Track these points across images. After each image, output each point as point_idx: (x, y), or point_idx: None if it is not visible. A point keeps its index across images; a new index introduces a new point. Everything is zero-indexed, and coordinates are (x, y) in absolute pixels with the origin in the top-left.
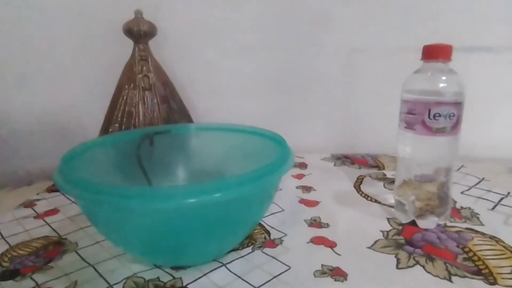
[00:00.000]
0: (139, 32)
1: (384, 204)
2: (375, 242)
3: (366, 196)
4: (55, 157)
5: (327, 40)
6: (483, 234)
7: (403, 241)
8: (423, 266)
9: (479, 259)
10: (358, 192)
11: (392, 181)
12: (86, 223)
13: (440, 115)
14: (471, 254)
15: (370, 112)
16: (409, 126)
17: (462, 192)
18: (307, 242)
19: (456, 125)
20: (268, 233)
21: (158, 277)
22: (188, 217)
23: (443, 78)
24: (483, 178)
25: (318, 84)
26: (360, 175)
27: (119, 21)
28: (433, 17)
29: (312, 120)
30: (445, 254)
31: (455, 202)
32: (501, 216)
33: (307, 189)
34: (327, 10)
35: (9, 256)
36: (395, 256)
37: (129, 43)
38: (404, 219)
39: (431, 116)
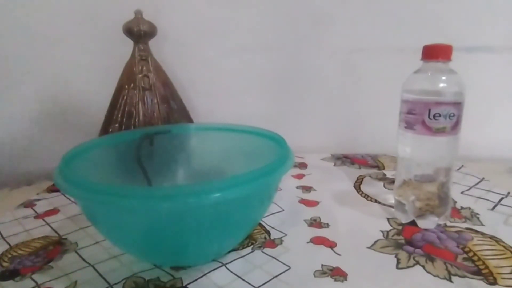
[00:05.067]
0: (139, 32)
1: (384, 204)
2: (375, 242)
3: (366, 196)
4: (55, 157)
5: (327, 40)
6: (483, 234)
7: (403, 241)
8: (423, 266)
9: (479, 259)
10: (358, 192)
11: (392, 181)
12: (86, 223)
13: (440, 115)
14: (471, 254)
15: (370, 112)
16: (409, 126)
17: (462, 192)
18: (307, 242)
19: (456, 125)
20: (268, 233)
21: (158, 277)
22: (188, 217)
23: (443, 78)
24: (483, 178)
25: (318, 84)
26: (360, 175)
27: (119, 21)
28: (433, 17)
29: (312, 120)
30: (445, 254)
31: (455, 202)
32: (501, 216)
33: (307, 189)
34: (327, 10)
35: (9, 256)
36: (395, 256)
37: (129, 43)
38: (404, 219)
39: (431, 116)
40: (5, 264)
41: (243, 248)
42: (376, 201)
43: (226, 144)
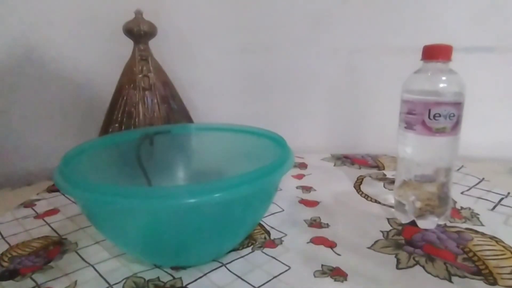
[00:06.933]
0: (139, 32)
1: (384, 204)
2: (375, 242)
3: (366, 196)
4: (55, 157)
5: (327, 40)
6: (483, 234)
7: (403, 241)
8: (423, 266)
9: (479, 259)
10: (358, 192)
11: (392, 181)
12: (86, 223)
13: (440, 115)
14: (471, 254)
15: (370, 112)
16: (409, 126)
17: (462, 192)
18: (307, 242)
19: (456, 125)
20: (268, 233)
21: (158, 277)
22: (188, 217)
23: (443, 78)
24: (483, 178)
25: (318, 84)
26: (360, 175)
27: (119, 21)
28: (433, 17)
29: (312, 120)
30: (445, 254)
31: (455, 202)
32: (501, 216)
33: (307, 189)
34: (327, 10)
35: (9, 256)
36: (395, 256)
37: (129, 43)
38: (404, 219)
39: (431, 116)
40: (5, 264)
41: (243, 248)
42: (376, 201)
43: (226, 144)
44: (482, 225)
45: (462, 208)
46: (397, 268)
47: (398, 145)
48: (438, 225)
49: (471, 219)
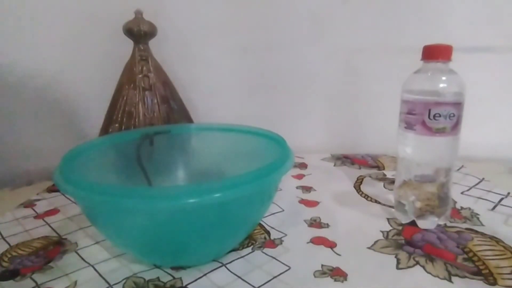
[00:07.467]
0: (139, 32)
1: (384, 204)
2: (375, 242)
3: (366, 196)
4: (55, 157)
5: (327, 40)
6: (483, 234)
7: (403, 241)
8: (423, 266)
9: (479, 259)
10: (358, 192)
11: (392, 181)
12: (86, 223)
13: (440, 115)
14: (471, 254)
15: (370, 112)
16: (409, 126)
17: (462, 193)
18: (307, 242)
19: (456, 125)
20: (268, 233)
21: (158, 277)
22: (188, 217)
23: (443, 78)
24: (483, 179)
25: (318, 84)
26: (360, 175)
27: (119, 21)
28: (433, 17)
29: (312, 120)
30: (445, 254)
31: (455, 202)
32: (501, 216)
33: (307, 189)
34: (327, 10)
35: (9, 256)
36: (395, 256)
37: (129, 43)
38: (404, 220)
39: (431, 116)
40: (5, 264)
41: (243, 248)
42: (376, 201)
43: (226, 144)
44: (482, 225)
45: (462, 208)
46: (397, 268)
47: (398, 145)
48: (438, 225)
49: (471, 219)
